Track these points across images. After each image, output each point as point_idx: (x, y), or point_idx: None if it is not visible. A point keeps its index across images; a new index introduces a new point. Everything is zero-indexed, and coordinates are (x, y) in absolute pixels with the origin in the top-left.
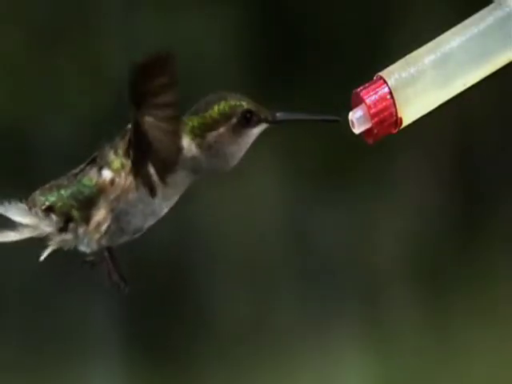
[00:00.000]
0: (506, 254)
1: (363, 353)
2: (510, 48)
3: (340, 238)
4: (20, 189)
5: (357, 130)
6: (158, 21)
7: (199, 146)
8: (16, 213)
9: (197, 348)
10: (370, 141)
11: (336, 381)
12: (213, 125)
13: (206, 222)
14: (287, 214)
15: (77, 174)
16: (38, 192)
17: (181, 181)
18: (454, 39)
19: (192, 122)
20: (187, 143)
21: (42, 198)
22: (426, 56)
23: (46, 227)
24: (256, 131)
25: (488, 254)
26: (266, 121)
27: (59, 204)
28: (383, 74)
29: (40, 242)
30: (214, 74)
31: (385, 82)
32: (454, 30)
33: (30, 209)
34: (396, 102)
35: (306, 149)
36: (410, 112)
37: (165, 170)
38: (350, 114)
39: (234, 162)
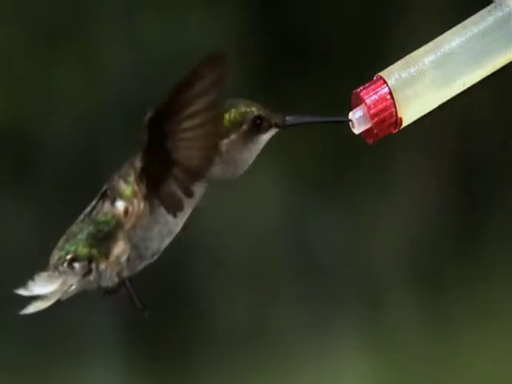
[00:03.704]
0: (506, 253)
1: (363, 353)
2: (510, 48)
3: (340, 238)
4: (20, 189)
5: (357, 130)
6: (158, 21)
7: None
8: (41, 287)
9: (197, 350)
10: (370, 141)
11: (336, 381)
12: (224, 133)
13: (205, 224)
14: (287, 214)
15: (90, 213)
16: (56, 249)
17: (195, 193)
18: (453, 39)
19: None
20: None
21: (63, 253)
22: (425, 56)
23: (73, 279)
24: (266, 137)
25: (488, 254)
26: (276, 126)
27: (80, 250)
28: (383, 74)
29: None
30: None
31: (385, 82)
32: (453, 29)
33: (54, 270)
34: (396, 102)
35: (305, 149)
36: (410, 112)
37: (193, 180)
38: (350, 114)
39: (245, 167)
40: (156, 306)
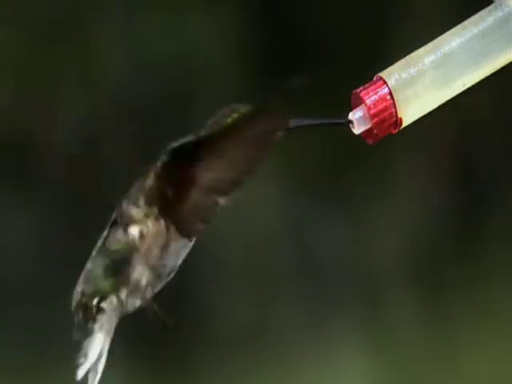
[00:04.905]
0: (506, 253)
1: (363, 353)
2: (509, 48)
3: (340, 238)
4: (20, 189)
5: (357, 131)
6: (158, 21)
7: None
8: (92, 355)
9: (197, 350)
10: (370, 141)
11: (336, 381)
12: None
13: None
14: (287, 215)
15: (103, 245)
16: (76, 292)
17: None
18: (453, 39)
19: None
20: None
21: (88, 298)
22: (425, 56)
23: (108, 322)
24: None
25: (488, 254)
26: None
27: (101, 287)
28: (383, 74)
29: (39, 241)
30: (214, 74)
31: (385, 82)
32: (453, 30)
33: (83, 315)
34: (396, 102)
35: (305, 150)
36: (410, 112)
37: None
38: (350, 114)
39: None
40: (156, 306)
